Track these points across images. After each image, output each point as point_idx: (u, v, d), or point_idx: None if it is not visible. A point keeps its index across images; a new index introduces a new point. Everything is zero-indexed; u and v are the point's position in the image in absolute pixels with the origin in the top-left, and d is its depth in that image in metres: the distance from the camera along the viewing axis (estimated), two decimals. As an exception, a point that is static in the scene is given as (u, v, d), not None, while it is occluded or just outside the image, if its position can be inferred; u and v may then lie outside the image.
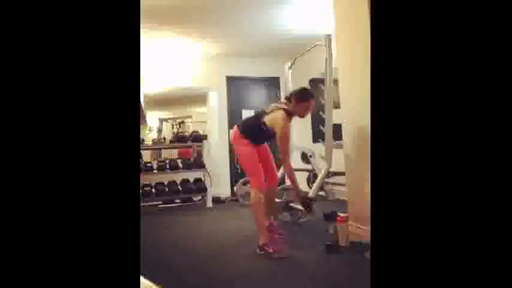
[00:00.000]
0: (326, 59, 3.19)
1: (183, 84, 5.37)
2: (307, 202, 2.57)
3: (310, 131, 5.34)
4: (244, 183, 4.36)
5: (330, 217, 2.43)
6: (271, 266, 2.03)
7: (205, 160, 4.70)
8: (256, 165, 2.43)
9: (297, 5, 3.63)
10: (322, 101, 3.24)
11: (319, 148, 3.65)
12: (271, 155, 2.69)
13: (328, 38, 3.18)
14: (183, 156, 5.19)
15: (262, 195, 2.38)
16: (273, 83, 5.68)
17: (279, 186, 3.53)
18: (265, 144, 2.65)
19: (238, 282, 1.82)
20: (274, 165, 2.68)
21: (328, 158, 3.18)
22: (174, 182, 4.62)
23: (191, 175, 4.67)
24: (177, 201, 4.74)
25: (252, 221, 2.61)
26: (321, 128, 3.24)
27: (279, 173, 4.25)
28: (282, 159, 2.41)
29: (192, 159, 4.80)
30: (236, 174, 5.30)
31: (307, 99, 2.39)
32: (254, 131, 2.45)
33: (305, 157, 4.27)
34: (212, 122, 5.51)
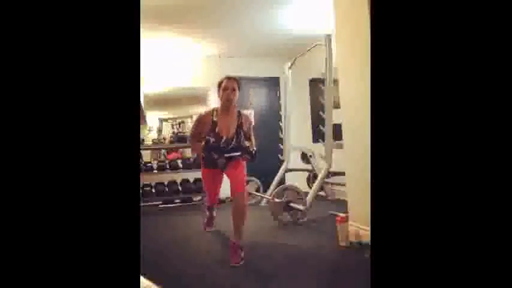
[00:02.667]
0: (326, 59, 3.20)
1: (183, 84, 5.37)
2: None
3: (310, 131, 5.34)
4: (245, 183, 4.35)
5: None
6: (271, 266, 2.03)
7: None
8: (207, 185, 2.69)
9: (297, 5, 3.63)
10: (322, 101, 3.24)
11: (319, 148, 3.65)
12: (241, 174, 2.36)
13: (328, 38, 3.19)
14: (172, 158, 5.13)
15: (208, 212, 2.85)
16: (273, 83, 5.68)
17: (278, 186, 3.53)
18: (236, 168, 2.37)
19: (240, 283, 1.82)
20: (241, 178, 2.34)
21: (328, 158, 3.18)
22: (174, 182, 4.62)
23: (191, 175, 4.67)
24: (177, 201, 4.74)
25: (251, 221, 2.61)
26: (321, 128, 3.24)
27: (278, 174, 4.28)
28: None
29: (192, 159, 4.80)
30: (236, 174, 5.29)
31: (220, 82, 2.36)
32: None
33: (305, 157, 4.27)
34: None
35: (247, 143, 2.37)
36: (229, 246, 2.19)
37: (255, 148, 2.37)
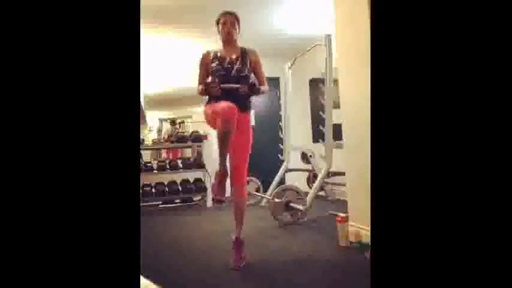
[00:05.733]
0: (326, 59, 3.20)
1: (183, 84, 5.37)
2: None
3: (310, 131, 5.34)
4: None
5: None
6: (270, 267, 2.03)
7: (205, 160, 4.70)
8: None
9: (297, 5, 3.63)
10: (322, 101, 3.25)
11: (319, 148, 3.65)
12: (246, 144, 2.10)
13: (328, 38, 3.19)
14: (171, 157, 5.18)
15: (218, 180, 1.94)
16: (273, 83, 5.68)
17: (278, 186, 3.53)
18: (246, 121, 2.13)
19: (241, 283, 1.82)
20: (243, 162, 2.10)
21: (328, 158, 3.18)
22: (174, 182, 4.62)
23: (191, 175, 4.67)
24: (177, 201, 4.74)
25: (250, 221, 2.60)
26: (321, 128, 3.24)
27: (278, 174, 4.28)
28: None
29: (192, 159, 4.80)
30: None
31: (218, 19, 2.23)
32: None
33: (305, 157, 4.27)
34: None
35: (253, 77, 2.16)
36: (232, 243, 2.06)
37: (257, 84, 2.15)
